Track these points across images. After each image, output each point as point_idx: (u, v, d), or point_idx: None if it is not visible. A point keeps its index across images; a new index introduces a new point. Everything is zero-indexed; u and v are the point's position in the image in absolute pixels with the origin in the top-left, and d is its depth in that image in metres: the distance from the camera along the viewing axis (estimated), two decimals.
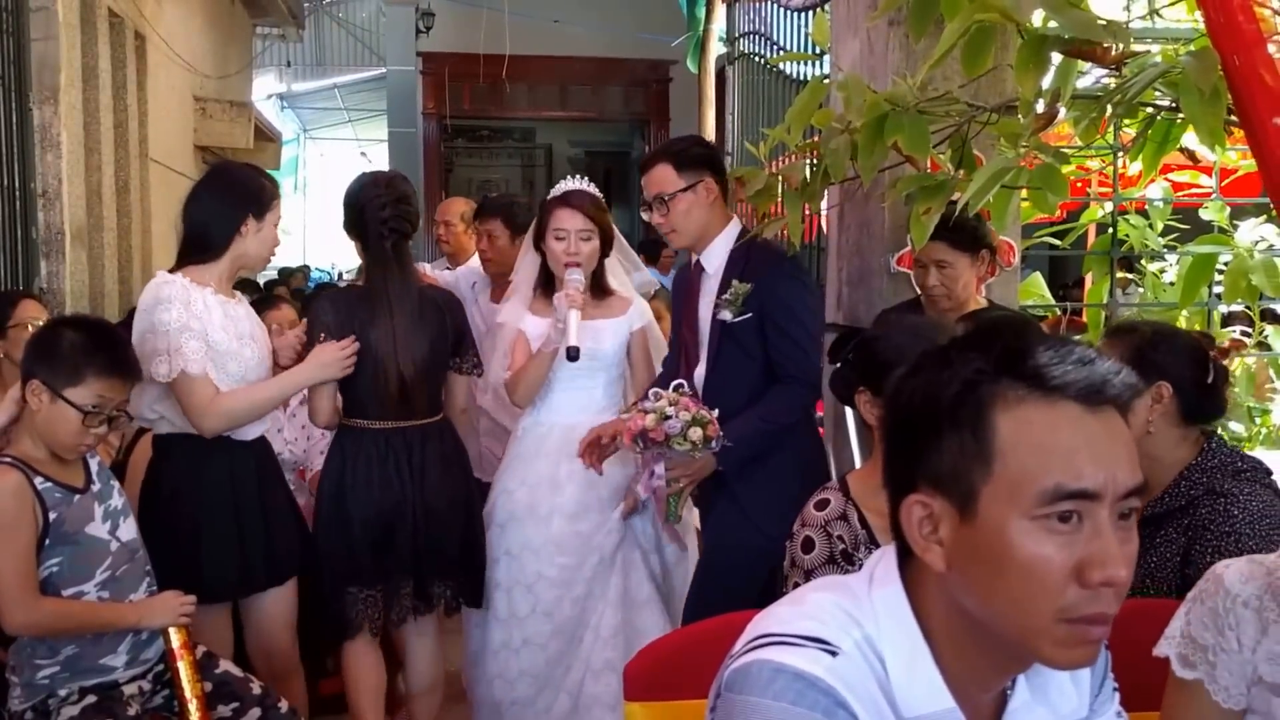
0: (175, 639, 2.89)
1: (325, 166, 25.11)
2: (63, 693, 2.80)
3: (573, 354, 3.50)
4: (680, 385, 3.35)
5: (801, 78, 4.90)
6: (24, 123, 5.30)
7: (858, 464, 3.55)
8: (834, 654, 1.28)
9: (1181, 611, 1.72)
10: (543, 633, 3.66)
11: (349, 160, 23.76)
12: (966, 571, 1.26)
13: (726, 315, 3.42)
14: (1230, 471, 2.47)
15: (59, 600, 2.77)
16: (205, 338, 3.23)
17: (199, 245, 3.36)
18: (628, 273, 4.07)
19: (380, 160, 18.52)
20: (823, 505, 2.49)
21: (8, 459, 2.77)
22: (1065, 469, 1.21)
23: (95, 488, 2.89)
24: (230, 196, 3.39)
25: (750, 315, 3.40)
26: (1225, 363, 2.94)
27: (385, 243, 3.60)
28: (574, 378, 3.77)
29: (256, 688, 3.09)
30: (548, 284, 3.83)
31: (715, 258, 3.54)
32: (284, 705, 3.10)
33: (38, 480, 2.77)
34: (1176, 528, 2.44)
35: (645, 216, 3.61)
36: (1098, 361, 1.26)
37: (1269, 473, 2.58)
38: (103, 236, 6.31)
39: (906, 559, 1.35)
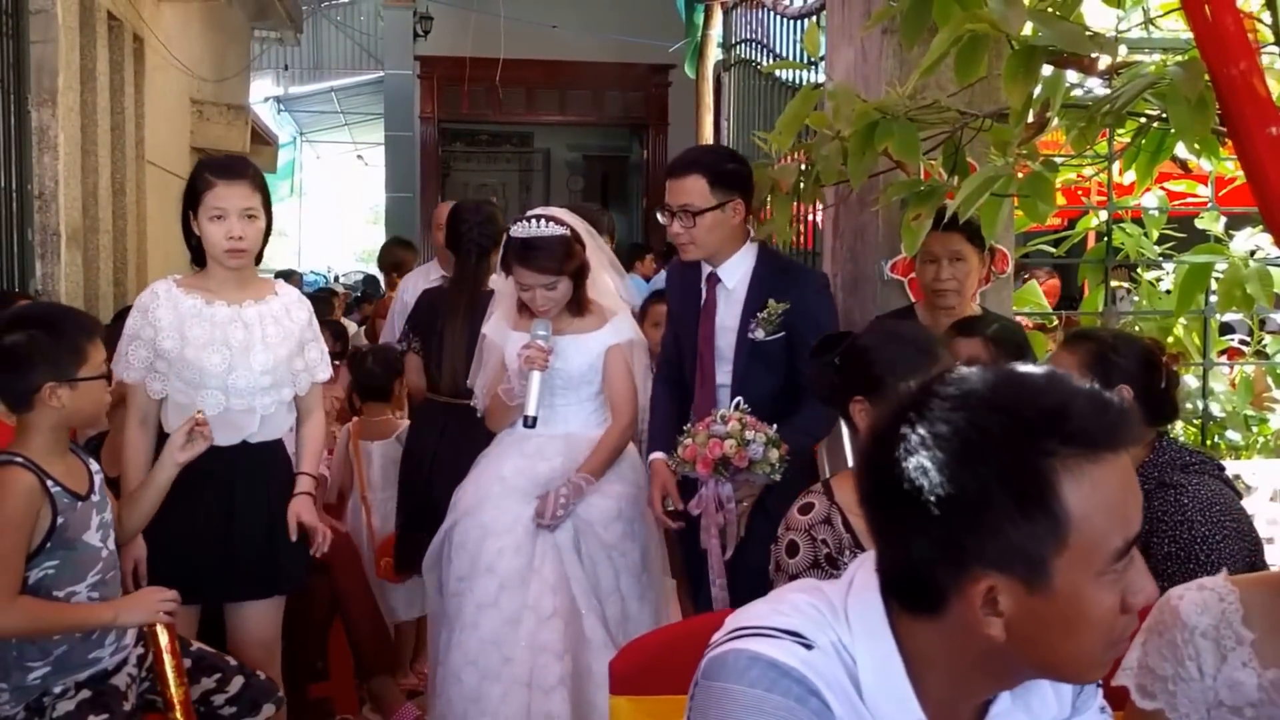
0: (163, 637, 2.89)
1: (322, 170, 25.17)
2: (57, 689, 2.79)
3: (529, 423, 3.45)
4: (739, 403, 3.24)
5: (798, 83, 4.91)
6: (22, 124, 5.29)
7: (850, 462, 3.57)
8: (809, 647, 1.30)
9: (1138, 642, 1.74)
10: (490, 589, 3.47)
11: (346, 164, 23.81)
12: (1030, 635, 1.24)
13: (759, 334, 3.40)
14: (1179, 465, 2.60)
15: (34, 601, 2.76)
16: (154, 346, 3.22)
17: (189, 250, 3.39)
18: (621, 275, 3.89)
19: (377, 164, 18.53)
20: (807, 509, 2.50)
21: (20, 459, 2.76)
22: (1125, 522, 1.22)
23: (95, 498, 2.90)
24: (184, 200, 3.33)
25: (782, 335, 3.39)
26: (1176, 368, 2.99)
27: (470, 255, 4.36)
28: (551, 394, 3.61)
29: (233, 660, 3.13)
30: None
31: (736, 272, 3.49)
32: (262, 675, 3.13)
33: (49, 483, 2.78)
34: None
35: (661, 219, 3.51)
36: (1110, 402, 1.24)
37: (1219, 466, 2.70)
38: (98, 239, 6.32)
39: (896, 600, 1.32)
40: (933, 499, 1.20)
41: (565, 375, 3.61)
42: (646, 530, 3.66)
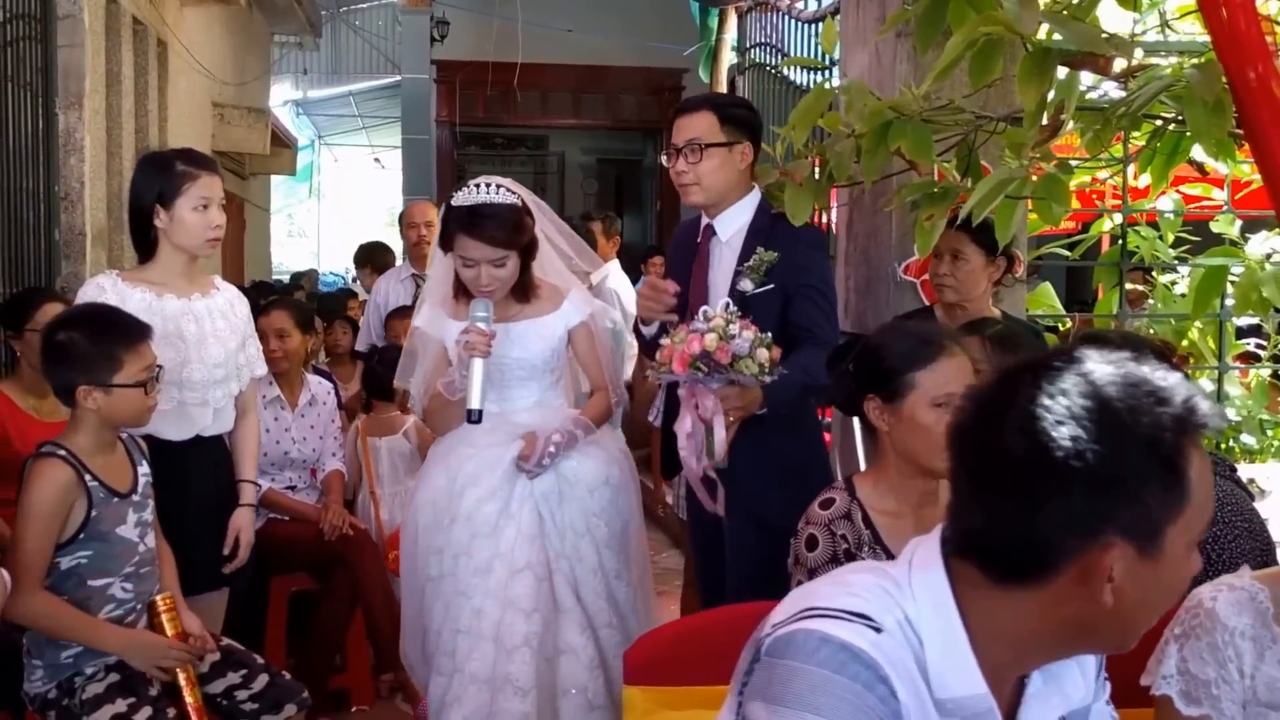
0: (169, 627, 2.96)
1: (340, 172, 25.28)
2: (88, 670, 2.88)
3: (473, 418, 3.15)
4: (728, 304, 2.97)
5: (811, 87, 4.95)
6: (49, 127, 5.38)
7: (862, 464, 3.60)
8: (878, 630, 1.34)
9: (1171, 650, 1.78)
10: (464, 537, 3.24)
11: (363, 167, 23.91)
12: (1130, 600, 1.30)
13: (747, 286, 3.21)
14: None
15: (55, 600, 2.84)
16: None
17: (135, 240, 3.40)
18: (568, 252, 3.58)
19: (393, 167, 18.62)
20: (828, 504, 2.53)
21: (62, 452, 2.86)
22: (1211, 499, 1.34)
23: (135, 497, 2.98)
24: (139, 185, 3.34)
25: (772, 286, 3.21)
26: (1187, 371, 3.01)
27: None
28: (504, 388, 3.36)
29: (259, 659, 3.21)
30: (466, 288, 3.35)
31: (732, 224, 3.33)
32: (286, 675, 3.20)
33: (86, 477, 2.87)
34: None
35: (665, 162, 3.35)
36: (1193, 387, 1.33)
37: (1231, 467, 2.75)
38: (122, 238, 6.36)
39: (953, 557, 1.39)
40: (1081, 466, 1.25)
41: (526, 365, 3.36)
42: (631, 508, 3.44)
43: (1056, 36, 2.45)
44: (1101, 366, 1.31)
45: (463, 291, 3.33)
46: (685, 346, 2.85)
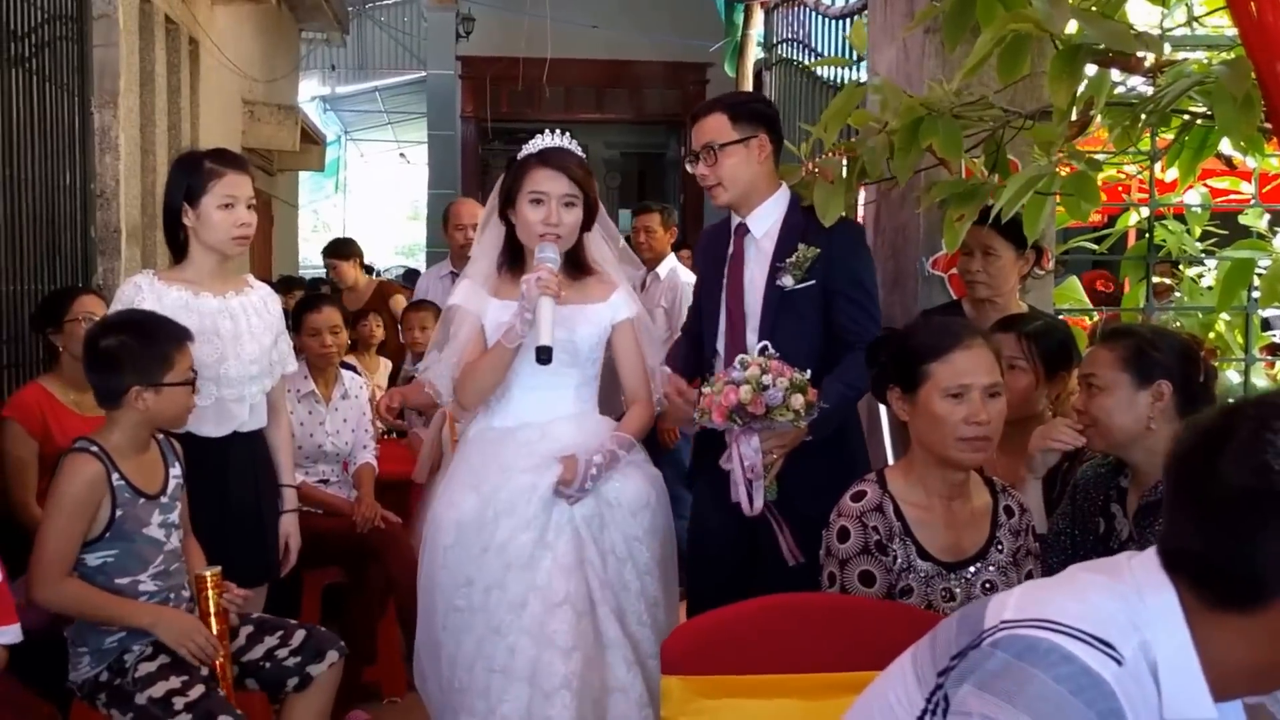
0: (211, 602, 3.00)
1: (366, 168, 25.38)
2: (136, 648, 2.94)
3: (543, 356, 2.95)
4: (765, 348, 2.99)
5: (838, 82, 4.98)
6: (85, 126, 5.45)
7: (889, 458, 3.63)
8: (1119, 662, 1.35)
9: None
10: (496, 569, 3.05)
11: (388, 161, 24.00)
12: None
13: (787, 281, 3.20)
14: None
15: (82, 585, 2.91)
16: None
17: (169, 240, 3.43)
18: (614, 253, 3.42)
19: (418, 161, 18.70)
20: (859, 497, 2.56)
21: (94, 449, 2.93)
22: None
23: (163, 500, 3.04)
24: (170, 184, 3.38)
25: (813, 283, 3.20)
26: (1215, 363, 3.03)
27: None
28: (536, 375, 3.11)
29: (292, 621, 3.28)
30: (514, 261, 3.25)
31: (765, 221, 3.31)
32: (321, 628, 3.26)
33: (114, 476, 2.93)
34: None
35: (689, 169, 3.36)
36: None
37: None
38: (155, 235, 6.42)
39: (1196, 591, 1.40)
40: None
41: (570, 349, 3.16)
42: (669, 530, 3.27)
43: (1086, 33, 2.47)
44: None
45: (508, 266, 3.25)
46: (722, 398, 2.90)
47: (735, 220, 3.38)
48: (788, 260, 3.21)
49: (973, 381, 2.46)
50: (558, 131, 3.20)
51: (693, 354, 3.54)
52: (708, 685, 2.18)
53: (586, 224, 3.22)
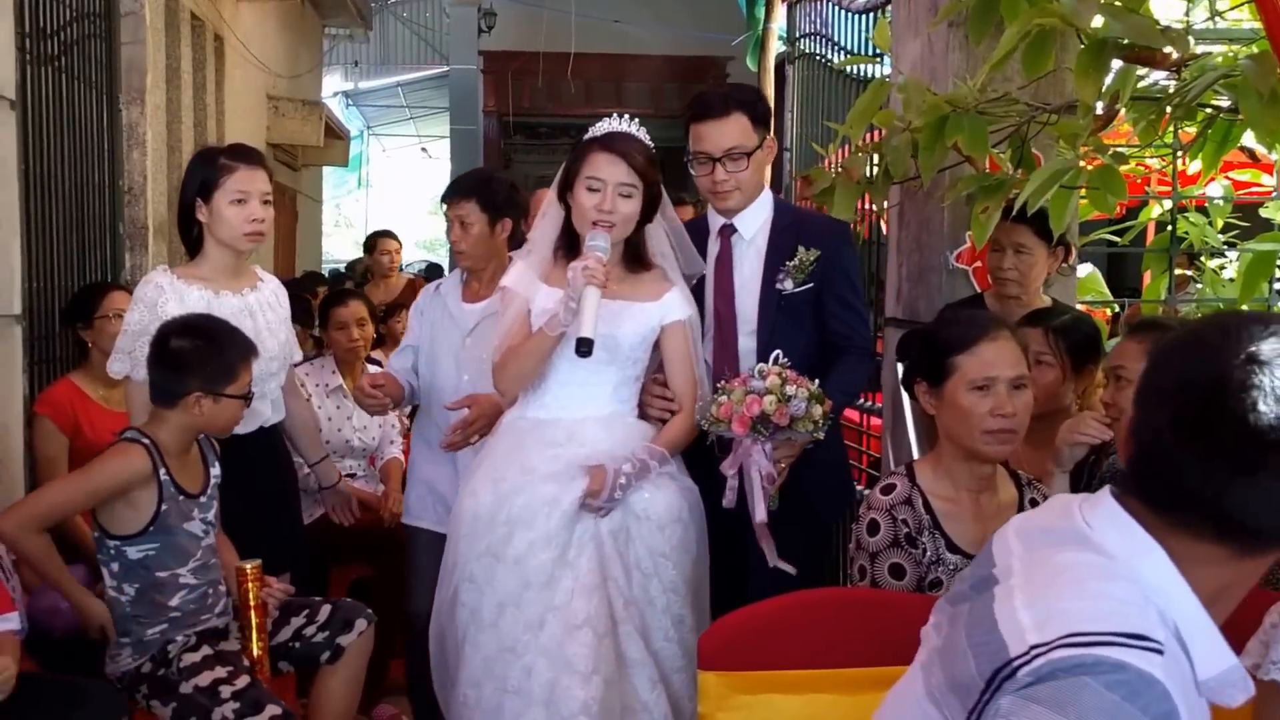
0: (252, 595, 3.08)
1: (388, 162, 25.44)
2: (179, 639, 3.00)
3: (583, 348, 2.82)
4: (777, 356, 2.95)
5: (862, 75, 4.98)
6: (114, 123, 5.49)
7: (915, 452, 3.65)
8: (1160, 652, 1.31)
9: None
10: (514, 586, 2.91)
11: (410, 156, 24.06)
12: None
13: (788, 285, 3.16)
14: None
15: (49, 544, 3.01)
16: None
17: (183, 237, 3.46)
18: (676, 250, 3.22)
19: (440, 156, 18.74)
20: (889, 490, 2.59)
21: (146, 441, 2.99)
22: None
23: (203, 499, 3.10)
24: (186, 180, 3.40)
25: (811, 286, 3.16)
26: None
27: None
28: (573, 369, 2.99)
29: (316, 598, 3.34)
30: (571, 247, 3.09)
31: (754, 221, 3.25)
32: (348, 600, 3.31)
33: (162, 472, 2.99)
34: None
35: (695, 170, 3.25)
36: None
37: None
38: None
39: (1149, 522, 1.39)
40: None
41: (611, 345, 2.99)
42: (702, 546, 3.09)
43: (1113, 28, 2.48)
44: None
45: (563, 252, 3.10)
46: (745, 408, 2.84)
47: (717, 220, 3.30)
48: (789, 264, 3.16)
49: (998, 374, 2.48)
50: (624, 117, 3.09)
51: None
52: (744, 681, 2.19)
53: (648, 215, 3.08)
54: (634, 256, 3.10)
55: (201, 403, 3.00)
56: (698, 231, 3.32)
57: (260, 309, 3.43)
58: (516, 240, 3.76)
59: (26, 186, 4.11)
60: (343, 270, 10.20)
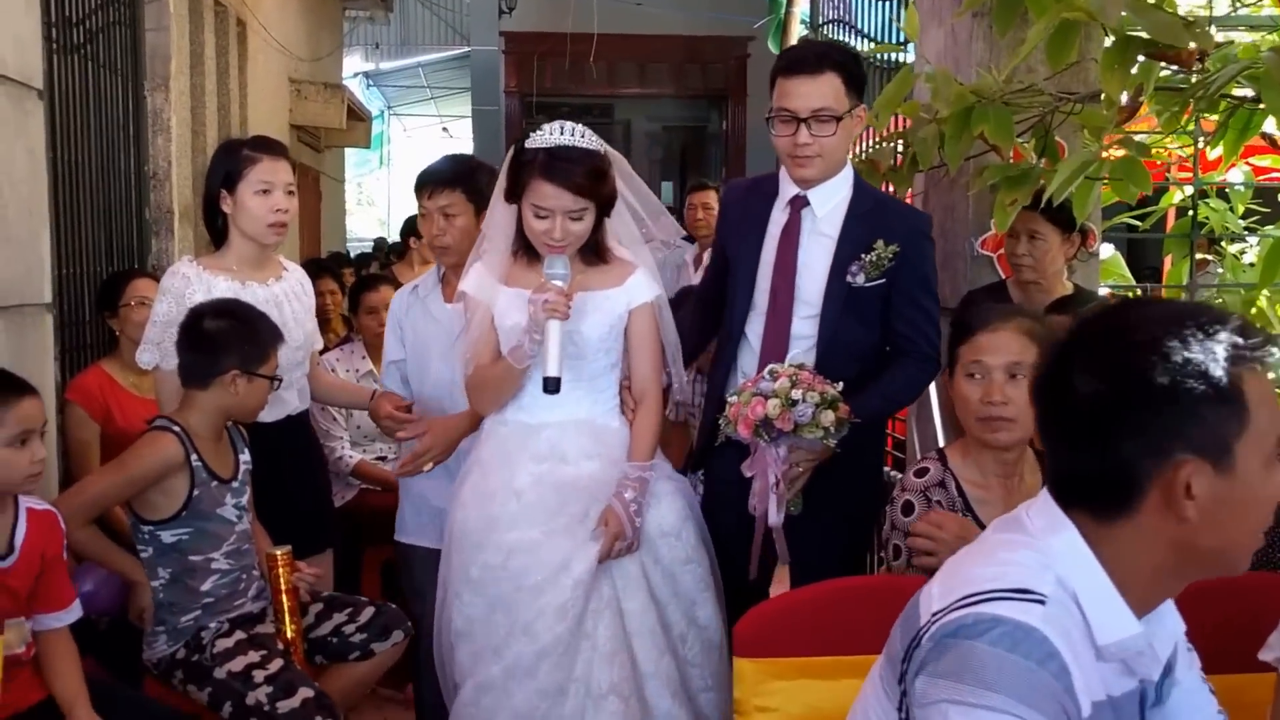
0: (283, 580, 3.13)
1: (409, 141, 25.47)
2: (212, 625, 3.06)
3: (550, 387, 2.73)
4: (794, 356, 2.88)
5: (886, 62, 4.97)
6: (139, 109, 5.54)
7: (940, 436, 3.67)
8: (1042, 602, 1.44)
9: None
10: (526, 655, 2.77)
11: (431, 136, 24.09)
12: (1214, 518, 1.44)
13: (859, 279, 2.93)
14: None
15: (93, 531, 3.08)
16: None
17: (208, 228, 3.48)
18: (640, 225, 3.08)
19: (460, 136, 18.76)
20: (922, 473, 2.66)
21: (176, 429, 3.04)
22: (1278, 416, 1.46)
23: (235, 484, 3.15)
24: (210, 172, 3.43)
25: (883, 282, 2.95)
26: None
27: None
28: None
29: (362, 598, 3.38)
30: (530, 247, 2.92)
31: (829, 199, 3.00)
32: (391, 605, 3.34)
33: (193, 457, 3.04)
34: None
35: (777, 130, 2.95)
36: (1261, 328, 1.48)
37: None
38: None
39: (1084, 513, 1.51)
40: (1142, 394, 1.42)
41: (579, 340, 2.90)
42: (700, 525, 3.04)
43: (1137, 24, 2.49)
44: (1159, 312, 1.48)
45: (523, 251, 2.94)
46: (749, 410, 2.75)
47: (789, 189, 3.04)
48: (865, 257, 2.93)
49: (988, 360, 2.54)
50: (567, 126, 2.82)
51: (708, 323, 3.27)
52: (777, 667, 2.24)
53: (603, 216, 2.91)
54: (592, 250, 2.94)
55: (238, 381, 3.05)
56: (760, 193, 3.11)
57: (286, 299, 3.45)
58: None
59: (55, 174, 4.15)
60: (369, 251, 10.21)
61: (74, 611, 2.78)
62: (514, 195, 2.84)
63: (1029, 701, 1.36)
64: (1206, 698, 1.66)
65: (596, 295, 2.92)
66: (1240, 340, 1.43)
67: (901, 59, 4.60)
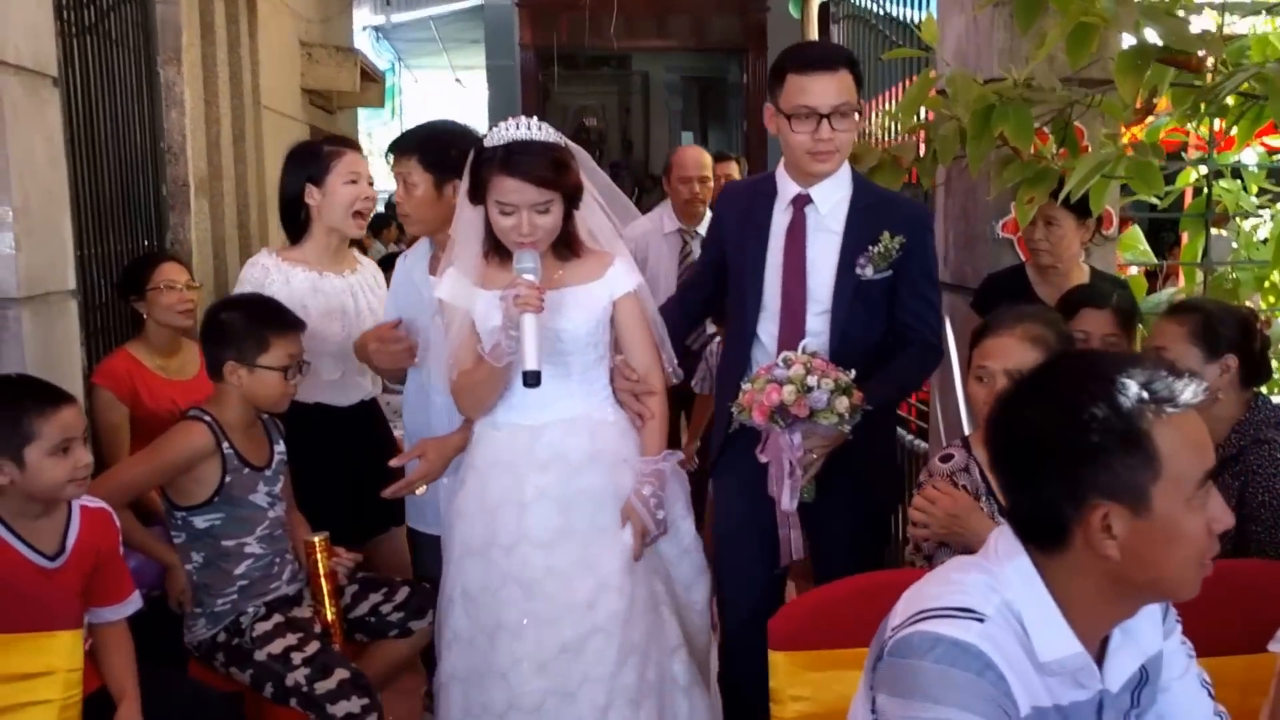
0: (321, 564, 3.23)
1: (420, 94, 25.35)
2: (249, 609, 3.15)
3: (531, 380, 2.70)
4: (806, 345, 2.91)
5: (908, 29, 4.95)
6: (152, 84, 5.53)
7: (965, 426, 3.70)
8: (981, 620, 1.57)
9: None
10: (535, 691, 2.79)
11: (443, 85, 23.93)
12: (1139, 554, 1.54)
13: (868, 271, 3.01)
14: (1274, 423, 2.78)
15: (128, 516, 3.14)
16: None
17: (286, 225, 3.62)
18: (609, 214, 3.02)
19: (477, 89, 18.63)
20: (947, 459, 2.76)
21: (207, 418, 3.12)
22: (1202, 458, 1.55)
23: (268, 473, 3.22)
24: (290, 172, 3.56)
25: (890, 273, 3.03)
26: (1268, 331, 3.14)
27: None
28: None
29: (397, 578, 3.48)
30: (501, 248, 2.87)
31: (831, 196, 3.06)
32: (426, 585, 3.41)
33: (224, 445, 3.12)
34: (1230, 474, 2.73)
35: (796, 129, 2.98)
36: (1181, 371, 1.59)
37: None
38: (221, 185, 6.52)
39: (1031, 545, 1.63)
40: (1059, 446, 1.55)
41: (566, 337, 2.88)
42: (687, 503, 3.10)
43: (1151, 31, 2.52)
44: (1082, 363, 1.64)
45: (494, 252, 2.89)
46: (764, 397, 2.78)
47: (791, 188, 3.09)
48: (872, 249, 3.00)
49: (991, 365, 2.65)
50: (523, 121, 2.78)
51: (684, 319, 3.33)
52: (811, 659, 2.31)
53: (571, 209, 2.87)
54: (565, 244, 2.91)
55: (238, 373, 3.11)
56: (759, 194, 3.15)
57: (361, 290, 3.63)
58: None
59: (73, 158, 4.17)
60: (385, 212, 10.18)
61: (132, 604, 2.88)
62: (478, 196, 2.81)
63: (972, 708, 1.52)
64: (1203, 700, 1.79)
65: (578, 290, 2.90)
66: (1146, 394, 1.52)
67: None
